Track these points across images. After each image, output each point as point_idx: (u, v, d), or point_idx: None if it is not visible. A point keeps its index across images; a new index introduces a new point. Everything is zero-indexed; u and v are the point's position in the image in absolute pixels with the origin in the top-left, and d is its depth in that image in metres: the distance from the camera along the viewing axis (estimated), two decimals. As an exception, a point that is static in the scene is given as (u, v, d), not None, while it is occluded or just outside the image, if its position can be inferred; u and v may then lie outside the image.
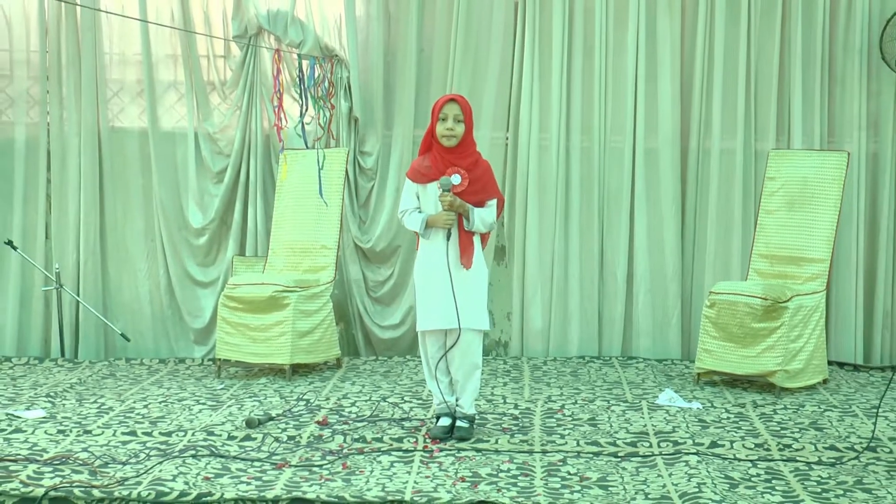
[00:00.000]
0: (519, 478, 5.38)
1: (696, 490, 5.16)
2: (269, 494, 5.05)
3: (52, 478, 5.27)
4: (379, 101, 8.44)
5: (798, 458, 5.71)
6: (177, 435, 6.11)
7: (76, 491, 5.07)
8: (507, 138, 8.44)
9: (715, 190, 8.30)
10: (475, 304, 6.00)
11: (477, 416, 6.32)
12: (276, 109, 8.28)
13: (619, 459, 5.70)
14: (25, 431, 6.17)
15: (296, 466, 5.53)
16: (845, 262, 8.22)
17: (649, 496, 5.08)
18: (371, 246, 8.44)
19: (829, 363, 7.86)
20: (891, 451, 5.81)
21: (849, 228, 8.19)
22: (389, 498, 5.02)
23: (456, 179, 5.92)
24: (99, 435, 6.10)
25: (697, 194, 8.36)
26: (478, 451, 5.84)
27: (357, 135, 8.41)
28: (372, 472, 5.46)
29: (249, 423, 6.26)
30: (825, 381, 7.48)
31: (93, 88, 8.39)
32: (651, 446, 5.92)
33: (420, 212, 6.03)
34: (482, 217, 5.97)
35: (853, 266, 8.24)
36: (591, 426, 6.34)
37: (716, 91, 8.28)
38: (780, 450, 5.86)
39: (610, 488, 5.21)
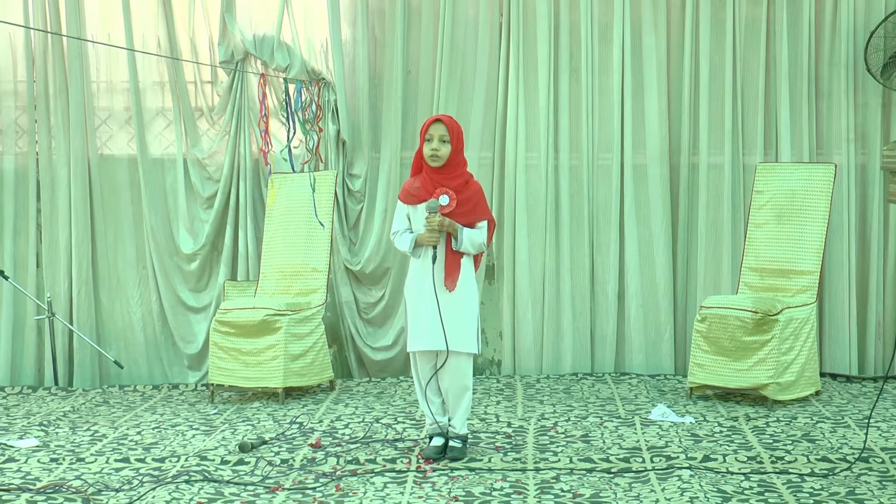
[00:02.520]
0: (512, 496, 5.38)
1: (689, 504, 5.17)
2: (262, 518, 5.06)
3: (44, 506, 5.28)
4: (366, 123, 8.46)
5: (791, 471, 5.72)
6: (170, 461, 6.10)
7: (69, 519, 5.07)
8: (493, 158, 8.46)
9: (704, 205, 8.32)
10: (464, 326, 5.99)
11: (470, 436, 6.32)
12: (263, 134, 8.30)
13: (612, 475, 5.70)
14: (18, 461, 6.16)
15: (289, 489, 5.53)
16: (837, 273, 8.24)
17: (642, 511, 5.10)
18: (361, 268, 8.45)
19: (822, 374, 7.87)
20: (882, 462, 5.82)
21: (840, 240, 8.21)
22: (382, 519, 5.03)
23: (444, 200, 5.92)
24: (92, 462, 6.10)
25: (687, 210, 8.38)
26: (471, 470, 5.84)
27: (345, 158, 8.43)
28: (365, 493, 5.46)
29: (243, 448, 6.26)
30: (818, 393, 7.48)
31: (81, 117, 8.41)
32: (644, 462, 5.93)
33: (411, 232, 6.05)
34: (471, 238, 5.97)
35: (845, 277, 8.25)
36: (584, 443, 6.35)
37: (703, 106, 8.30)
38: (772, 462, 5.87)
39: (603, 504, 5.22)
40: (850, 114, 8.25)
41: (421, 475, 5.76)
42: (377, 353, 8.50)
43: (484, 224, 6.06)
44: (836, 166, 7.74)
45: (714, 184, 8.33)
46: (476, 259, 6.15)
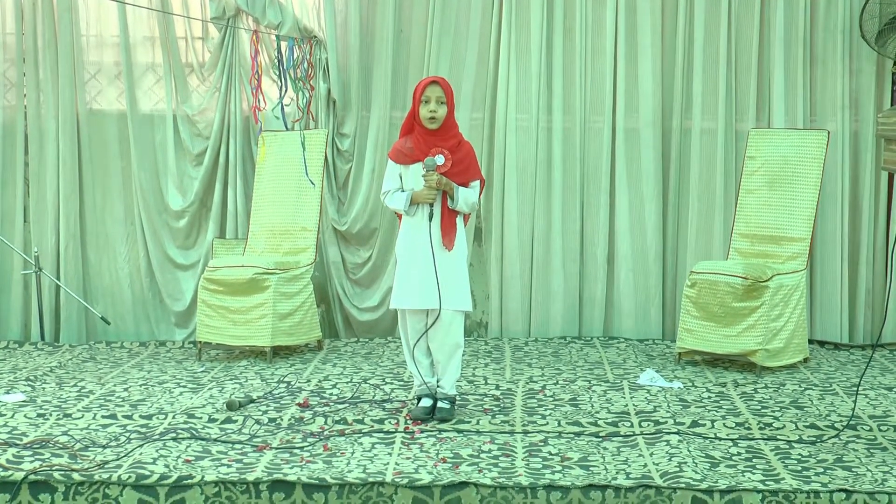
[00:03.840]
0: (500, 458, 5.38)
1: (678, 469, 5.17)
2: (250, 477, 5.04)
3: (31, 461, 5.25)
4: (357, 82, 8.40)
5: (779, 437, 5.73)
6: (157, 418, 6.09)
7: (56, 475, 5.05)
8: (485, 119, 8.41)
9: (696, 170, 8.29)
10: (457, 284, 5.99)
11: (458, 397, 6.31)
12: (254, 91, 8.24)
13: (601, 439, 5.70)
14: (5, 415, 6.14)
15: (277, 449, 5.52)
16: (831, 241, 8.22)
17: (630, 476, 5.09)
18: (347, 228, 8.42)
19: (810, 342, 7.87)
20: (870, 429, 5.83)
21: (833, 208, 8.19)
22: (370, 479, 5.01)
23: (440, 160, 5.90)
24: (79, 418, 6.08)
25: (679, 174, 8.35)
26: (459, 431, 5.83)
27: (335, 117, 8.38)
28: (353, 453, 5.45)
29: (230, 406, 6.24)
30: (806, 360, 7.49)
31: (70, 71, 8.33)
32: (632, 426, 5.93)
33: (403, 191, 6.01)
34: (465, 197, 5.97)
35: (838, 245, 8.23)
36: (572, 406, 6.35)
37: (696, 71, 8.25)
38: (760, 429, 5.87)
39: (591, 468, 5.21)
40: (844, 80, 8.21)
41: (409, 436, 5.75)
42: (363, 314, 8.48)
43: (476, 184, 6.06)
44: (828, 133, 7.71)
45: (706, 149, 8.30)
46: (465, 218, 6.14)
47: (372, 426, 5.93)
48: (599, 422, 6.01)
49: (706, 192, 8.30)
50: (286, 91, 8.25)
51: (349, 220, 8.42)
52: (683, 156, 8.34)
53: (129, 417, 6.10)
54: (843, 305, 8.25)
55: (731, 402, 6.43)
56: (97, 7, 8.37)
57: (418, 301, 5.96)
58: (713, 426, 5.91)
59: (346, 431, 5.82)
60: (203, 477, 5.03)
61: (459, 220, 6.04)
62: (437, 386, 6.09)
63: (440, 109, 5.91)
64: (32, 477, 5.03)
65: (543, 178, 8.34)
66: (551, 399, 6.52)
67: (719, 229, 8.25)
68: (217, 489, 4.98)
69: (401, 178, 6.05)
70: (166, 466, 5.20)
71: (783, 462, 5.31)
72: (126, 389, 6.78)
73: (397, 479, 5.01)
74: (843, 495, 4.86)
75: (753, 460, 5.34)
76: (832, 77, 8.22)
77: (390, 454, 5.44)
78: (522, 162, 8.34)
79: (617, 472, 5.14)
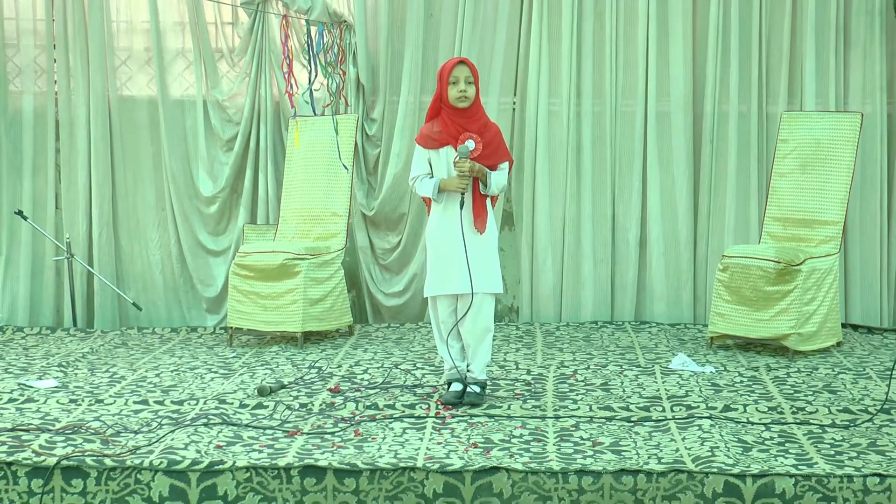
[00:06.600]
0: (531, 443, 5.36)
1: (710, 454, 5.14)
2: (282, 462, 5.04)
3: (64, 447, 5.27)
4: (387, 66, 8.38)
5: (812, 421, 5.69)
6: (188, 403, 6.10)
7: (88, 460, 5.06)
8: (514, 103, 8.38)
9: (727, 153, 8.24)
10: (489, 267, 5.98)
11: (489, 382, 6.30)
12: (286, 76, 8.23)
13: (632, 424, 5.68)
14: (37, 401, 6.17)
15: (308, 434, 5.52)
16: (871, 224, 8.16)
17: (662, 460, 5.06)
18: (375, 213, 8.41)
19: (843, 326, 7.82)
20: (905, 414, 5.79)
21: (872, 191, 8.13)
22: (402, 464, 5.00)
23: (471, 145, 5.87)
24: (111, 404, 6.11)
25: (711, 158, 8.29)
26: (490, 416, 5.82)
27: (365, 102, 8.37)
28: (384, 438, 5.45)
29: (261, 392, 6.25)
30: (839, 344, 7.44)
31: (101, 57, 8.36)
32: (664, 411, 5.90)
33: (432, 177, 6.00)
34: (497, 181, 5.95)
35: (877, 229, 8.17)
36: (603, 391, 6.32)
37: (727, 54, 8.19)
38: (793, 413, 5.84)
39: (623, 453, 5.19)
40: (878, 63, 8.14)
41: (440, 421, 5.74)
42: (389, 300, 8.48)
43: (506, 165, 6.04)
44: (862, 116, 7.64)
45: (737, 132, 8.24)
46: (493, 199, 6.12)
47: (403, 411, 5.92)
48: (631, 406, 5.98)
49: (737, 176, 8.24)
50: (316, 76, 8.24)
51: (376, 204, 8.41)
52: (715, 139, 8.28)
53: (161, 403, 6.12)
54: (882, 289, 8.19)
55: (763, 387, 6.39)
56: (128, -8, 8.43)
57: (451, 286, 5.95)
58: (745, 410, 5.88)
59: (377, 417, 5.82)
60: (234, 462, 5.03)
61: (488, 203, 6.03)
62: (468, 370, 6.08)
63: (469, 89, 5.89)
64: (65, 462, 5.05)
65: (574, 163, 8.32)
66: (583, 384, 6.51)
67: (750, 212, 8.20)
68: (248, 475, 4.99)
69: (430, 163, 6.02)
70: (198, 452, 5.21)
71: (816, 446, 5.28)
72: (157, 375, 6.80)
73: (428, 465, 5.00)
74: (877, 479, 4.82)
75: (786, 444, 5.31)
76: (869, 60, 8.15)
77: (421, 439, 5.43)
78: (553, 146, 8.32)
79: (649, 457, 5.12)
